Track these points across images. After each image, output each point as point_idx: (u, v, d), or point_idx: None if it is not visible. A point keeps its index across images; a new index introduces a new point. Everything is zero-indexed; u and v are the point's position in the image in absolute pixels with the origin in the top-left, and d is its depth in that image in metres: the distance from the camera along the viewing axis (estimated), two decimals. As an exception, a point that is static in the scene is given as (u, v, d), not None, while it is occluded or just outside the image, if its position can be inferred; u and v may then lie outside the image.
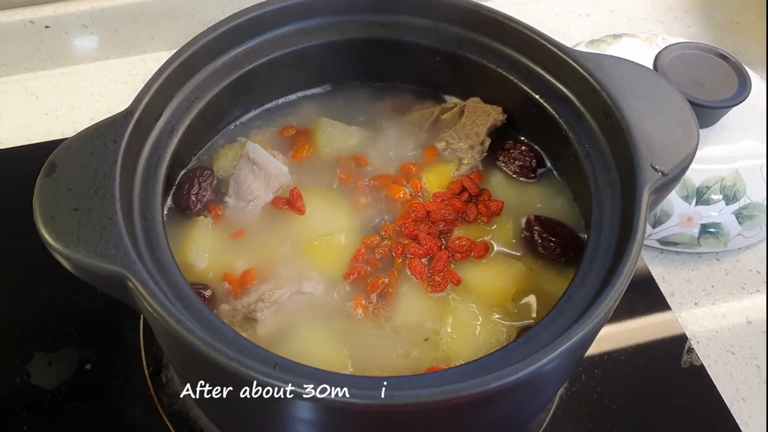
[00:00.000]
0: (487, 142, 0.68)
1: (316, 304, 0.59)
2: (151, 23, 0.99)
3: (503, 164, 0.68)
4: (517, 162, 0.67)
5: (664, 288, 0.79)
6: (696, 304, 0.79)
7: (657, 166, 0.52)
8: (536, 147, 0.68)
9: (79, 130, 0.53)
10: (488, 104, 0.69)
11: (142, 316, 0.74)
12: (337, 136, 0.69)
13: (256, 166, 0.63)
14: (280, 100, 0.71)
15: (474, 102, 0.69)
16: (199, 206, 0.63)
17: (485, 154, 0.68)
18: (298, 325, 0.57)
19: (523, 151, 0.68)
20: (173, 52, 0.59)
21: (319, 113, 0.71)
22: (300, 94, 0.72)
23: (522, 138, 0.69)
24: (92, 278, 0.48)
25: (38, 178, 0.50)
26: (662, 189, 0.53)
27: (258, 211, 0.64)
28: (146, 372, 0.71)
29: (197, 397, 0.63)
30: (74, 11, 0.95)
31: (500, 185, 0.67)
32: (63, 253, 0.46)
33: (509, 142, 0.69)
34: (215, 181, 0.64)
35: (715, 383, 0.72)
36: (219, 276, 0.59)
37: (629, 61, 0.60)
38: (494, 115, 0.68)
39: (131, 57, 1.01)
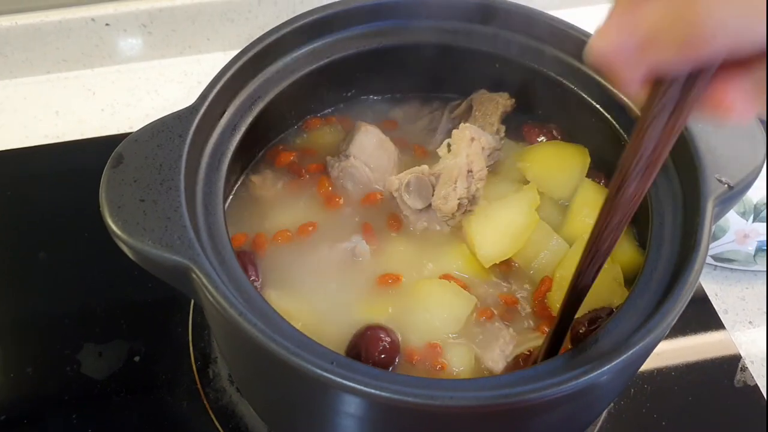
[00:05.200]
0: (502, 129, 0.68)
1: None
2: (207, 24, 1.01)
3: None
4: None
5: (718, 305, 0.78)
6: (750, 322, 0.77)
7: (723, 179, 0.51)
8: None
9: (133, 127, 0.54)
10: (494, 92, 0.69)
11: (191, 311, 0.75)
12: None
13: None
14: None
15: (480, 94, 0.70)
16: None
17: (503, 141, 0.68)
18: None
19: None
20: (228, 53, 0.60)
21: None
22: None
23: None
24: (156, 268, 0.48)
25: (105, 169, 0.51)
26: (727, 202, 0.52)
27: None
28: (194, 367, 0.71)
29: (247, 390, 0.64)
30: (134, 10, 0.97)
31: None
32: (128, 242, 0.47)
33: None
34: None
35: (769, 404, 0.70)
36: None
37: (694, 72, 0.59)
38: (502, 102, 0.68)
39: (186, 57, 1.03)
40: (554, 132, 0.69)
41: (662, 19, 0.31)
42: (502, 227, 0.62)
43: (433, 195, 0.63)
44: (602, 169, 0.66)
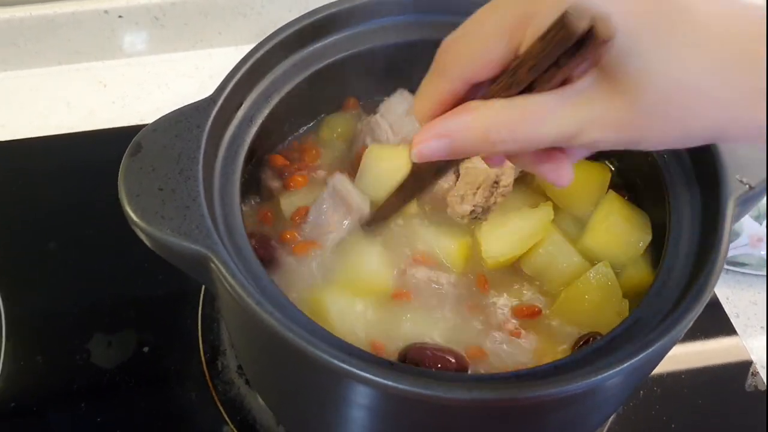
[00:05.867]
0: None
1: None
2: (219, 18, 1.01)
3: None
4: None
5: (729, 309, 0.77)
6: (762, 327, 0.77)
7: (743, 179, 0.51)
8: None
9: (144, 120, 0.54)
10: None
11: (200, 303, 0.75)
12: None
13: (338, 197, 0.62)
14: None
15: None
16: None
17: None
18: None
19: None
20: (240, 48, 0.60)
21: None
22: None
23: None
24: (174, 257, 0.48)
25: (124, 158, 0.51)
26: (747, 203, 0.51)
27: (332, 245, 0.61)
28: (203, 358, 0.71)
29: (258, 382, 0.64)
30: (146, 3, 0.97)
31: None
32: (147, 230, 0.47)
33: None
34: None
35: (780, 409, 0.70)
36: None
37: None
38: None
39: (198, 51, 1.03)
40: None
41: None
42: (510, 232, 0.61)
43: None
44: (627, 185, 0.66)
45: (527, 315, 0.58)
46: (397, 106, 0.67)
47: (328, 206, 0.61)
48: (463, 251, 0.61)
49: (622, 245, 0.60)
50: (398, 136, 0.66)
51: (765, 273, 0.78)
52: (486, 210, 0.62)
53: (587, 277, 0.57)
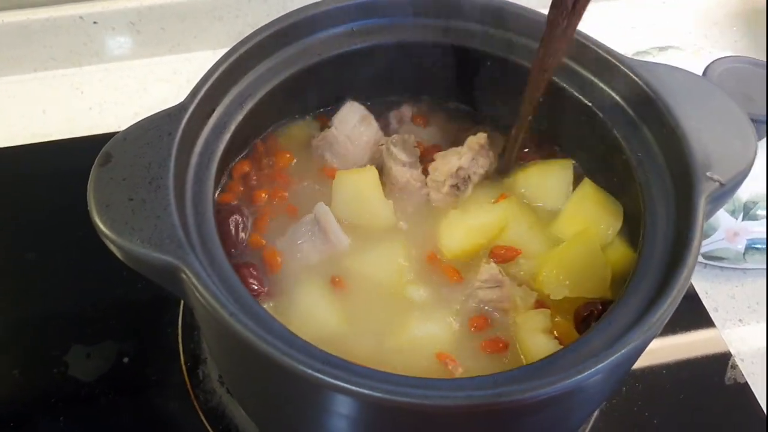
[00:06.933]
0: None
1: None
2: (196, 23, 1.00)
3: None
4: None
5: (708, 303, 0.78)
6: (740, 320, 0.78)
7: (714, 176, 0.51)
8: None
9: (122, 126, 0.53)
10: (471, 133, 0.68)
11: (180, 312, 0.74)
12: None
13: (318, 228, 0.61)
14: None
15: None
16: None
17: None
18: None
19: None
20: (217, 51, 0.59)
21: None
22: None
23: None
24: (145, 268, 0.48)
25: (93, 168, 0.50)
26: (718, 199, 0.52)
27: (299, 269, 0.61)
28: (183, 368, 0.71)
29: (238, 391, 0.64)
30: (122, 8, 0.96)
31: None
32: (117, 242, 0.47)
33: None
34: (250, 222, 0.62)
35: (759, 401, 0.70)
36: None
37: (684, 70, 0.59)
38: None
39: (176, 55, 1.02)
40: (545, 144, 0.69)
41: None
42: (470, 226, 0.63)
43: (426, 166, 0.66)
44: (599, 173, 0.66)
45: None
46: (349, 116, 0.67)
47: (306, 231, 0.61)
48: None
49: (592, 230, 0.61)
50: (358, 145, 0.66)
51: (742, 267, 0.78)
52: (467, 180, 0.64)
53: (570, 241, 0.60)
